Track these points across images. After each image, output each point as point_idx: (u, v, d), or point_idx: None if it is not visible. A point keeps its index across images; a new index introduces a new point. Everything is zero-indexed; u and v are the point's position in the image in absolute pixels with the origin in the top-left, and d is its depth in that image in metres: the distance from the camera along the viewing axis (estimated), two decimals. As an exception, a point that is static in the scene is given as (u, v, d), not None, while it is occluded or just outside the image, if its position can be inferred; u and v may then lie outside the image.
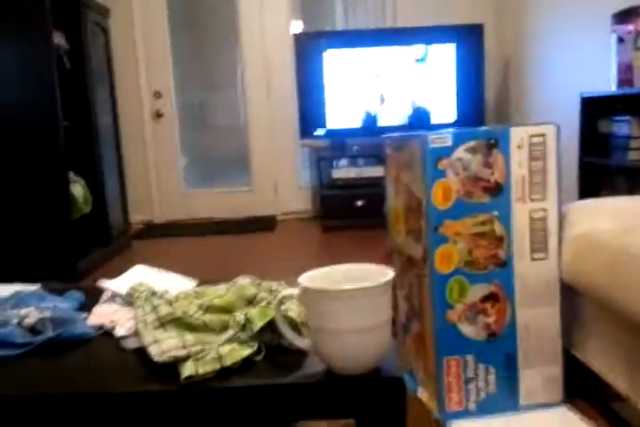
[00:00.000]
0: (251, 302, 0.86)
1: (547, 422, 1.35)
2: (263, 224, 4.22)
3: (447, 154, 1.33)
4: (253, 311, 0.79)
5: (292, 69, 4.11)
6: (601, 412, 1.35)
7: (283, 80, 4.35)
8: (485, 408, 1.39)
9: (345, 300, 0.70)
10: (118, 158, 3.69)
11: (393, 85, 3.93)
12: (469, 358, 1.39)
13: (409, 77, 3.92)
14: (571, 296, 1.41)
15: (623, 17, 2.31)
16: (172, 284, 0.99)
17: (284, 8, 4.30)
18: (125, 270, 1.24)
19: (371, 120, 3.96)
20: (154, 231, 4.29)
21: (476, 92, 3.88)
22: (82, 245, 3.10)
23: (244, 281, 0.93)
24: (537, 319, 1.42)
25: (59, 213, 2.85)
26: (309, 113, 3.96)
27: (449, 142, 1.33)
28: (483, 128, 1.37)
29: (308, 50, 3.85)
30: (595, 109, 2.54)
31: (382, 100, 3.95)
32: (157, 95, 4.36)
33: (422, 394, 1.48)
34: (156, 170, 4.54)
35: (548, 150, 1.36)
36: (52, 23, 2.68)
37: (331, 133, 4.02)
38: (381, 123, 3.93)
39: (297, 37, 3.88)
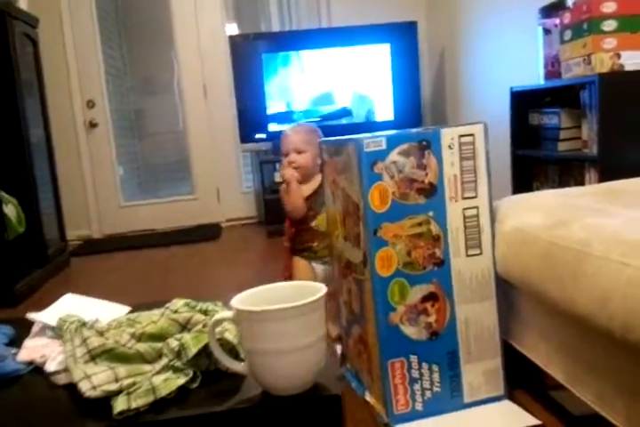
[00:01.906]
0: (185, 326, 0.84)
1: (490, 417, 1.38)
2: (207, 233, 4.16)
3: (382, 157, 1.34)
4: (187, 337, 0.77)
5: (228, 72, 4.06)
6: (542, 402, 1.39)
7: (220, 83, 4.30)
8: (432, 408, 1.40)
9: (277, 319, 0.69)
10: (52, 173, 3.56)
11: (332, 86, 3.94)
12: (413, 358, 1.40)
13: (347, 77, 3.94)
14: (507, 289, 1.45)
15: (550, 10, 2.38)
16: (104, 311, 0.95)
17: (217, 10, 4.24)
18: (63, 291, 1.19)
19: (312, 122, 3.96)
20: (92, 247, 4.16)
21: (413, 91, 3.93)
22: (18, 268, 2.97)
23: (177, 304, 0.90)
24: (475, 314, 1.45)
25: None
26: (249, 116, 3.92)
27: (383, 146, 1.34)
28: (415, 130, 1.39)
29: (244, 52, 3.81)
30: (524, 102, 2.62)
31: (323, 101, 3.96)
32: (90, 104, 4.23)
33: (369, 398, 1.49)
34: (93, 182, 4.40)
35: (478, 149, 1.38)
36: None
37: (272, 136, 3.99)
38: (323, 124, 3.94)
39: (233, 40, 3.83)
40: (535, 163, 2.73)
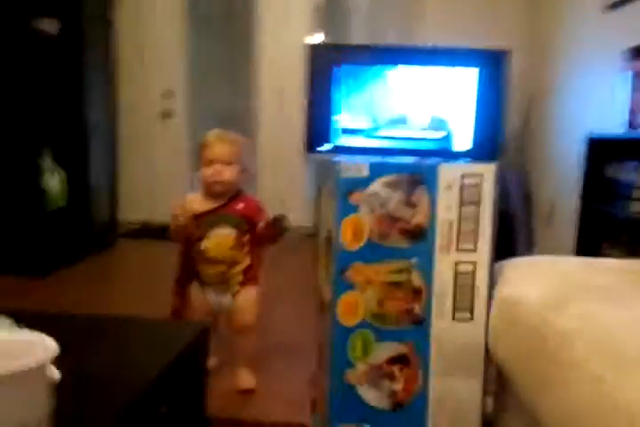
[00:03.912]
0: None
1: None
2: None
3: (362, 186, 1.14)
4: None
5: (305, 81, 3.94)
6: None
7: (297, 91, 4.20)
8: None
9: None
10: (112, 155, 3.60)
11: (409, 106, 3.72)
12: (365, 429, 1.18)
13: (427, 99, 3.70)
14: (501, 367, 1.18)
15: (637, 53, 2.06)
16: None
17: (306, 18, 4.16)
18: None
19: (385, 140, 3.76)
20: (147, 232, 4.18)
21: (495, 122, 3.63)
22: (57, 240, 2.99)
23: None
24: (453, 391, 1.20)
25: (30, 205, 2.76)
26: (317, 127, 3.78)
27: (365, 173, 1.13)
28: (407, 161, 1.17)
29: (321, 62, 3.67)
30: (602, 152, 2.29)
31: (396, 120, 3.75)
32: (167, 95, 4.27)
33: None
34: (162, 171, 4.43)
35: (484, 194, 1.14)
36: (31, 7, 2.59)
37: (338, 149, 3.83)
38: (391, 143, 3.73)
39: (311, 48, 3.71)
40: (606, 220, 2.38)
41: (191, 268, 1.67)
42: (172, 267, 1.74)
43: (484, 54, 3.56)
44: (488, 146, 3.66)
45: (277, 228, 1.62)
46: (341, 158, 1.15)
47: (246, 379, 1.69)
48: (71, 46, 2.96)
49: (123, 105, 3.88)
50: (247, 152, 1.70)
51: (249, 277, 1.68)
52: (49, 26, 2.82)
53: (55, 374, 0.68)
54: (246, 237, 1.65)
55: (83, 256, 3.22)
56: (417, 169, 1.13)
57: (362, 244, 1.15)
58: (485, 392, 1.19)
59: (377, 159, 1.17)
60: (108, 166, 3.55)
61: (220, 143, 1.64)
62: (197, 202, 1.67)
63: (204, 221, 1.63)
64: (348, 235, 1.15)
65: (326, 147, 3.87)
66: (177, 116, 4.33)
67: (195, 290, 1.68)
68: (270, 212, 1.72)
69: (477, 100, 3.64)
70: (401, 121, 3.86)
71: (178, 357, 0.81)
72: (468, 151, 3.71)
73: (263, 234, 1.63)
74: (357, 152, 3.85)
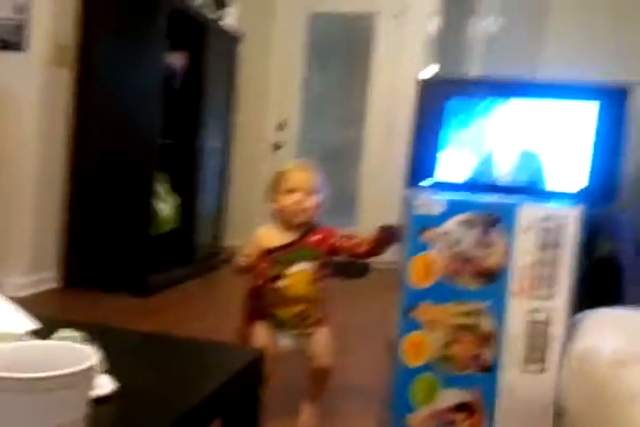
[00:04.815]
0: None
1: None
2: (354, 270, 4.05)
3: (436, 224, 1.12)
4: None
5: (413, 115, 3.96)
6: None
7: (405, 125, 4.22)
8: None
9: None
10: (222, 182, 3.79)
11: (515, 142, 3.60)
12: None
13: (538, 136, 3.57)
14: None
15: None
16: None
17: (419, 50, 4.19)
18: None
19: (482, 177, 3.66)
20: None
21: (612, 163, 3.41)
22: (159, 262, 3.17)
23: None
24: (521, 448, 1.12)
25: (139, 227, 2.95)
26: (420, 162, 3.76)
27: (439, 210, 1.11)
28: (484, 200, 1.13)
29: (430, 95, 3.67)
30: None
31: (502, 157, 3.64)
32: (280, 127, 4.45)
33: None
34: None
35: (565, 238, 1.07)
36: (165, 44, 2.84)
37: (438, 186, 3.77)
38: (492, 181, 3.61)
39: (422, 82, 3.73)
40: None
41: (261, 309, 1.53)
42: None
43: (605, 89, 3.38)
44: (602, 189, 3.44)
45: (390, 235, 1.41)
46: (417, 194, 1.14)
47: (309, 417, 1.58)
48: (197, 78, 3.20)
49: (239, 134, 4.09)
50: (325, 183, 1.64)
51: (323, 315, 1.55)
52: (178, 59, 3.08)
53: (109, 385, 0.73)
54: (323, 271, 1.54)
55: (187, 278, 3.38)
56: (494, 209, 1.09)
57: (431, 282, 1.12)
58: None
59: (454, 197, 1.15)
60: (218, 194, 3.74)
61: (300, 172, 1.56)
62: (272, 235, 1.53)
63: (280, 258, 1.50)
64: (419, 272, 1.13)
65: (427, 182, 3.84)
66: (286, 146, 4.50)
67: (261, 332, 1.51)
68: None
69: (596, 138, 3.45)
70: (504, 159, 3.74)
71: (229, 380, 0.83)
72: (579, 194, 3.50)
73: (377, 239, 1.44)
74: (457, 188, 3.76)
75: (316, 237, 1.52)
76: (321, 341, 1.52)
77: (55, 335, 0.81)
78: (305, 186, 1.51)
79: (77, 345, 0.61)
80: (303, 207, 1.50)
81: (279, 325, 1.49)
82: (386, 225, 1.43)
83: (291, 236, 1.51)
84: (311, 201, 1.51)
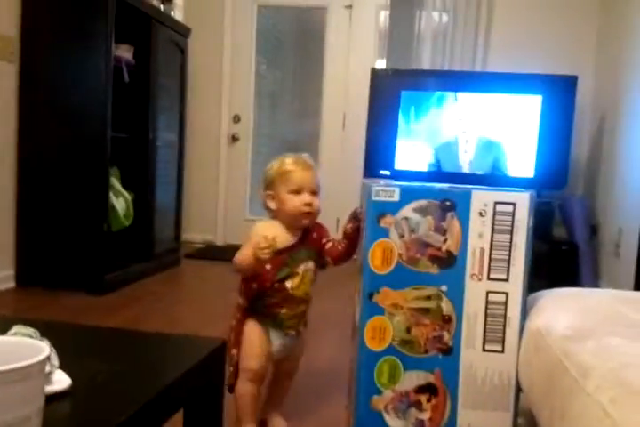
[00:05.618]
0: None
1: None
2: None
3: (393, 211, 1.14)
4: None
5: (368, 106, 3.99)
6: None
7: (359, 117, 4.25)
8: None
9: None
10: (178, 177, 3.74)
11: (469, 132, 3.68)
12: (385, 459, 1.16)
13: (488, 126, 3.65)
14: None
15: None
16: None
17: (370, 44, 4.23)
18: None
19: (439, 166, 3.73)
20: (210, 252, 4.29)
21: (561, 150, 3.52)
22: (119, 260, 3.12)
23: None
24: (483, 424, 1.16)
25: (94, 223, 2.88)
26: (377, 152, 3.80)
27: (396, 197, 1.13)
28: (439, 187, 1.16)
29: (383, 87, 3.71)
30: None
31: (456, 147, 3.71)
32: (236, 119, 4.42)
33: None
34: (225, 193, 4.58)
35: (518, 222, 1.11)
36: (111, 36, 2.78)
37: (397, 175, 3.82)
38: (450, 169, 3.69)
39: (374, 73, 3.76)
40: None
41: (260, 308, 1.44)
42: (233, 288, 1.52)
43: (550, 80, 3.48)
44: (554, 174, 3.55)
45: (357, 227, 1.38)
46: (374, 182, 1.16)
47: (279, 422, 1.53)
48: (146, 70, 3.14)
49: (195, 127, 4.05)
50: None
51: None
52: (125, 52, 3.01)
53: (65, 380, 0.73)
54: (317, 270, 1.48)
55: (146, 275, 3.33)
56: (449, 195, 1.12)
57: (391, 268, 1.15)
58: (515, 426, 1.15)
59: (410, 184, 1.17)
60: (175, 188, 3.69)
61: (304, 171, 1.44)
62: (278, 235, 1.40)
63: (289, 258, 1.42)
64: (377, 258, 1.15)
65: (385, 172, 3.88)
66: (243, 139, 4.47)
67: (255, 331, 1.44)
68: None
69: (541, 127, 3.55)
70: (457, 148, 3.82)
71: (190, 370, 0.83)
72: (530, 179, 3.61)
73: (348, 234, 1.39)
74: (415, 178, 3.82)
75: (314, 236, 1.47)
76: (301, 342, 1.50)
77: (9, 332, 0.80)
78: (311, 185, 1.43)
79: (30, 340, 0.61)
80: (313, 210, 1.43)
81: (277, 324, 1.43)
82: (353, 212, 1.39)
83: (294, 235, 1.44)
84: (317, 201, 1.44)
